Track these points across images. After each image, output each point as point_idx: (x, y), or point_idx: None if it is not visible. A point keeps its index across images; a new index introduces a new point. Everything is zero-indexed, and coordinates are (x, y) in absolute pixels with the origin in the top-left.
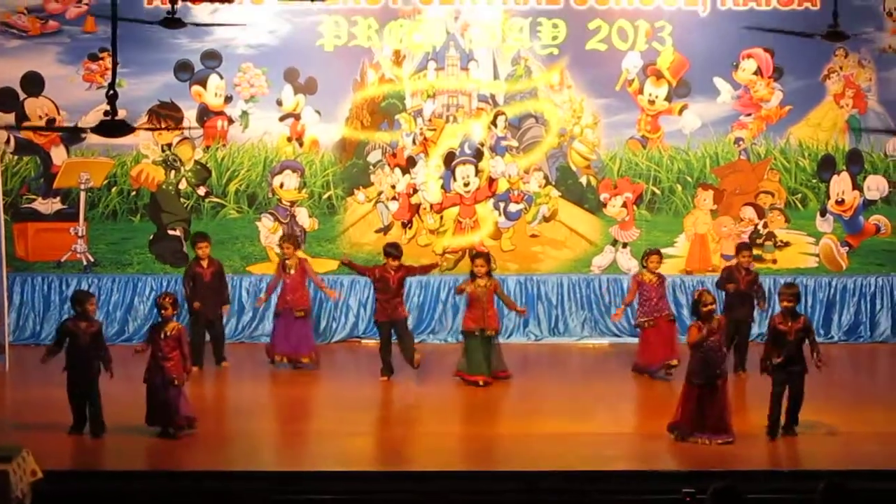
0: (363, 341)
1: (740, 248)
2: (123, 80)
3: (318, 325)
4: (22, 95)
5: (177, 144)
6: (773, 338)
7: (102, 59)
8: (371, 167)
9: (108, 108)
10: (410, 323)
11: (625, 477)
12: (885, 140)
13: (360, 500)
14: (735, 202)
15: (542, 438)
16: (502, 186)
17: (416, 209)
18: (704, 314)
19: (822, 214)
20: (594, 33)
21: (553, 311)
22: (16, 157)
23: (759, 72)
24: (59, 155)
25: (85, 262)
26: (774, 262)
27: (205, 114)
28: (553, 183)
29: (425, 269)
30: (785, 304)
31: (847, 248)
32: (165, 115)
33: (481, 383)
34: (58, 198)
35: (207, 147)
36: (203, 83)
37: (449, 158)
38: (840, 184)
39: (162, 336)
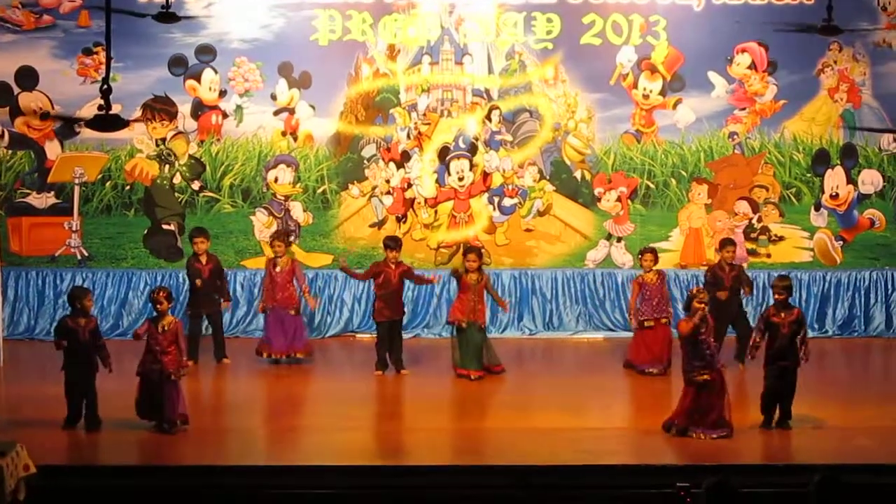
0: (357, 336)
1: (724, 243)
2: (118, 75)
3: (313, 320)
4: (16, 90)
5: (171, 139)
6: (766, 329)
7: (97, 53)
8: (365, 161)
9: (102, 102)
10: (405, 317)
11: (618, 471)
12: (879, 135)
13: (354, 494)
14: (729, 196)
15: (535, 433)
16: (497, 181)
17: (410, 203)
18: (700, 313)
19: (817, 209)
20: (588, 28)
21: (547, 306)
22: (10, 152)
23: (753, 66)
24: (53, 149)
25: (79, 257)
26: (769, 256)
27: (199, 108)
28: (547, 177)
29: (422, 281)
30: (778, 296)
31: (841, 243)
32: (160, 109)
33: (473, 377)
34: (52, 192)
35: (202, 141)
36: (197, 77)
37: (443, 153)
38: (834, 178)
39: (159, 330)
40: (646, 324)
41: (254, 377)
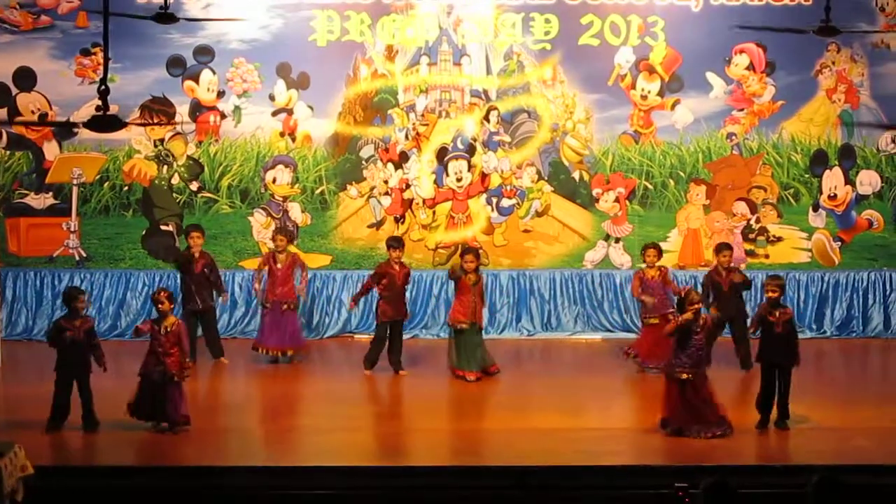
0: (356, 336)
1: (719, 248)
2: (116, 76)
3: (311, 320)
4: (14, 90)
5: (169, 139)
6: (760, 324)
7: (95, 54)
8: (364, 162)
9: (99, 103)
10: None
11: (617, 472)
12: (878, 135)
13: (352, 495)
14: (728, 197)
15: (533, 433)
16: (495, 181)
17: (408, 204)
18: (692, 312)
19: (815, 209)
20: (587, 28)
21: (546, 307)
22: (8, 153)
23: (751, 67)
24: (51, 150)
25: (77, 258)
26: (767, 256)
27: (197, 109)
28: (545, 178)
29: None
30: (771, 293)
31: (839, 243)
32: (158, 110)
33: (472, 379)
34: (50, 193)
35: (200, 142)
36: (195, 78)
37: (441, 153)
38: (832, 179)
39: (162, 331)
40: (649, 321)
41: (252, 377)
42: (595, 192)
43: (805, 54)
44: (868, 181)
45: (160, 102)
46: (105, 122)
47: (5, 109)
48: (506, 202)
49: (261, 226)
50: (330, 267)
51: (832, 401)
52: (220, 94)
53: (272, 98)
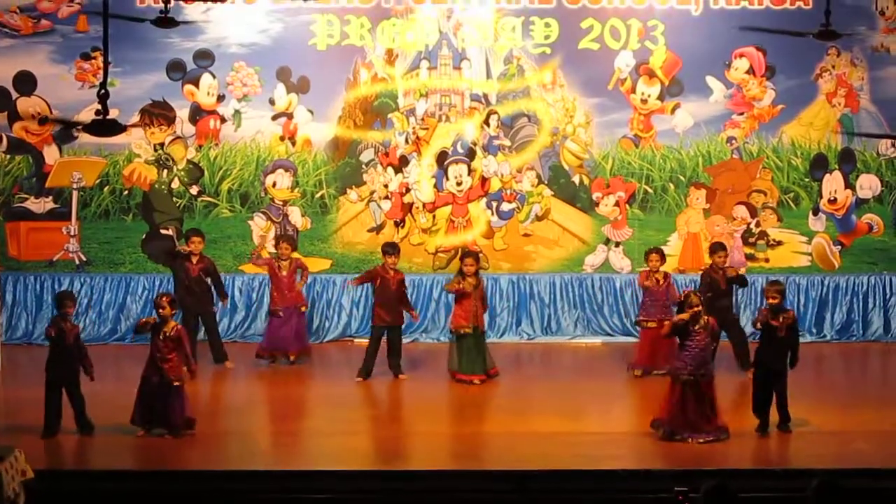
0: (356, 340)
1: (714, 248)
2: (116, 80)
3: (311, 325)
4: (14, 94)
5: (169, 143)
6: (764, 332)
7: (95, 58)
8: (364, 166)
9: (99, 107)
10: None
11: (617, 476)
12: (877, 140)
13: (353, 499)
14: (728, 201)
15: (533, 437)
16: (495, 185)
17: (408, 208)
18: (692, 314)
19: (815, 213)
20: (586, 32)
21: (546, 311)
22: (8, 157)
23: (751, 71)
24: (51, 154)
25: (77, 262)
26: (767, 260)
27: (197, 113)
28: (545, 182)
29: (406, 307)
30: (771, 300)
31: (839, 247)
32: (158, 114)
33: (476, 382)
34: (50, 197)
35: (200, 146)
36: (195, 82)
37: (441, 157)
38: (832, 183)
39: (161, 336)
40: (648, 324)
41: (253, 381)
42: (595, 195)
43: (805, 58)
44: (868, 185)
45: (160, 106)
46: (105, 125)
47: (6, 113)
48: (506, 206)
49: (261, 230)
50: (330, 271)
51: (832, 404)
52: (221, 98)
53: (272, 102)
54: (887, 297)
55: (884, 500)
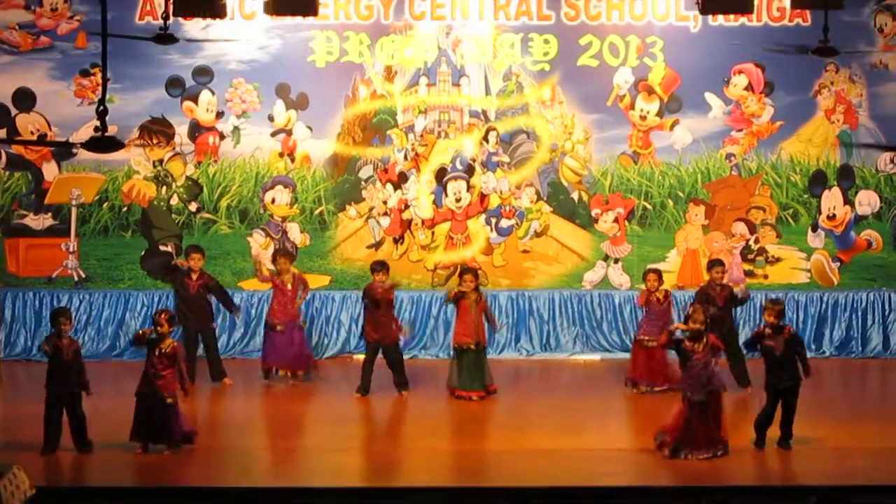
0: (355, 357)
1: (712, 264)
2: (115, 96)
3: (310, 341)
4: (13, 111)
5: (168, 160)
6: (762, 352)
7: (94, 74)
8: (363, 183)
9: (98, 123)
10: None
11: (617, 493)
12: (877, 155)
13: None
14: (726, 217)
15: (533, 454)
16: (494, 202)
17: (407, 225)
18: (692, 331)
19: (814, 230)
20: (585, 49)
21: (544, 327)
22: (7, 173)
23: (750, 87)
24: (50, 171)
25: (76, 278)
26: (766, 277)
27: (196, 129)
28: (544, 198)
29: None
30: (769, 318)
31: (838, 264)
32: (157, 130)
33: (475, 398)
34: (49, 213)
35: (199, 163)
36: (194, 99)
37: (440, 174)
38: (831, 199)
39: (157, 353)
40: (648, 343)
41: (251, 397)
42: (594, 212)
43: (804, 75)
44: (867, 201)
45: (159, 123)
46: (103, 142)
47: (4, 130)
48: (505, 223)
49: (260, 246)
50: (329, 287)
51: (831, 421)
52: (219, 115)
53: (271, 118)
54: (886, 313)
55: None
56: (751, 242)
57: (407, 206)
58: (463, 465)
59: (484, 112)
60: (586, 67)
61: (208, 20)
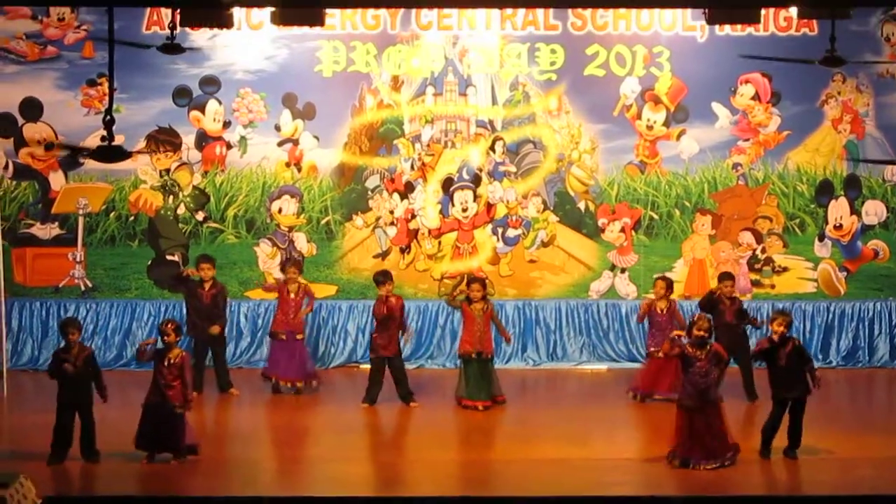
0: (361, 366)
1: (722, 277)
2: (122, 106)
3: (317, 350)
4: (20, 121)
5: (175, 169)
6: (764, 359)
7: (101, 84)
8: (369, 192)
9: (105, 133)
10: (409, 348)
11: (624, 502)
12: (883, 166)
13: None
14: (733, 227)
15: (540, 464)
16: (500, 212)
17: (414, 234)
18: (697, 339)
19: (821, 239)
20: (592, 59)
21: (551, 337)
22: (14, 183)
23: (757, 97)
24: (57, 180)
25: (83, 288)
26: (773, 287)
27: (203, 139)
28: (551, 208)
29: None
30: (777, 328)
31: (845, 273)
32: (164, 140)
33: (481, 408)
34: (56, 223)
35: (206, 172)
36: (201, 108)
37: (447, 184)
38: (838, 209)
39: (165, 363)
40: (658, 354)
41: (257, 407)
42: (601, 222)
43: (810, 84)
44: (874, 211)
45: (166, 133)
46: (110, 152)
47: (11, 139)
48: (511, 232)
49: (266, 256)
50: (335, 297)
51: (837, 431)
52: (226, 125)
53: (278, 128)
54: (893, 323)
55: None
56: (758, 252)
57: (413, 216)
58: (469, 475)
59: (490, 122)
60: (593, 77)
61: (215, 30)
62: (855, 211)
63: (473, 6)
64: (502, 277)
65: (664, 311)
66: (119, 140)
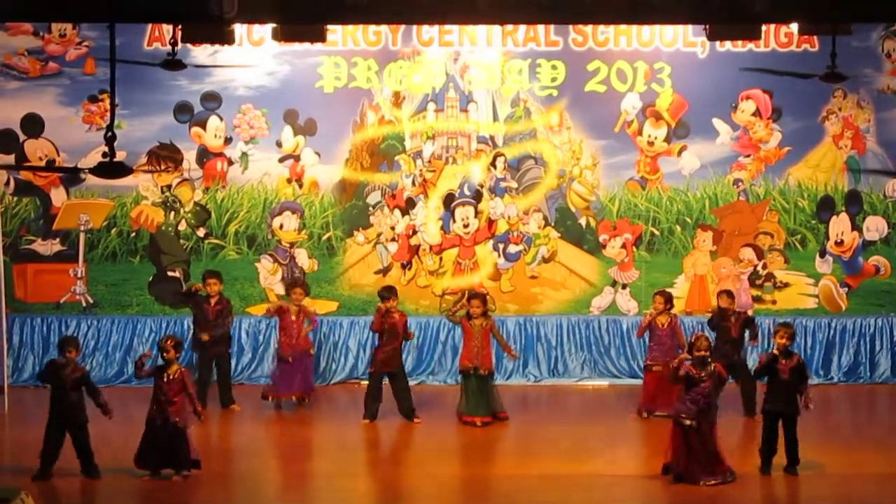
0: (362, 382)
1: (720, 295)
2: (123, 122)
3: (318, 366)
4: (22, 137)
5: (176, 186)
6: (766, 373)
7: (102, 100)
8: (370, 208)
9: (106, 149)
10: (410, 364)
11: None
12: (884, 181)
13: None
14: (734, 243)
15: (541, 480)
16: (501, 227)
17: (415, 250)
18: (697, 359)
19: (822, 255)
20: (593, 75)
21: (552, 353)
22: (15, 199)
23: (757, 113)
24: (58, 196)
25: (84, 304)
26: (774, 302)
27: (204, 155)
28: (552, 224)
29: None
30: (780, 341)
31: (846, 289)
32: (165, 156)
33: (479, 424)
34: (57, 239)
35: (207, 188)
36: (203, 124)
37: (448, 200)
38: (839, 225)
39: (165, 379)
40: (654, 368)
41: (259, 423)
42: (602, 237)
43: (811, 100)
44: (875, 227)
45: (167, 149)
46: (112, 168)
47: (13, 156)
48: (512, 248)
49: (268, 272)
50: (337, 313)
51: (838, 447)
52: (228, 141)
53: (279, 144)
54: (894, 339)
55: None
56: (759, 268)
57: (415, 232)
58: (470, 491)
59: (492, 138)
60: (594, 93)
61: (216, 46)
62: (856, 227)
63: (475, 23)
64: (503, 293)
65: (665, 326)
66: (120, 156)
